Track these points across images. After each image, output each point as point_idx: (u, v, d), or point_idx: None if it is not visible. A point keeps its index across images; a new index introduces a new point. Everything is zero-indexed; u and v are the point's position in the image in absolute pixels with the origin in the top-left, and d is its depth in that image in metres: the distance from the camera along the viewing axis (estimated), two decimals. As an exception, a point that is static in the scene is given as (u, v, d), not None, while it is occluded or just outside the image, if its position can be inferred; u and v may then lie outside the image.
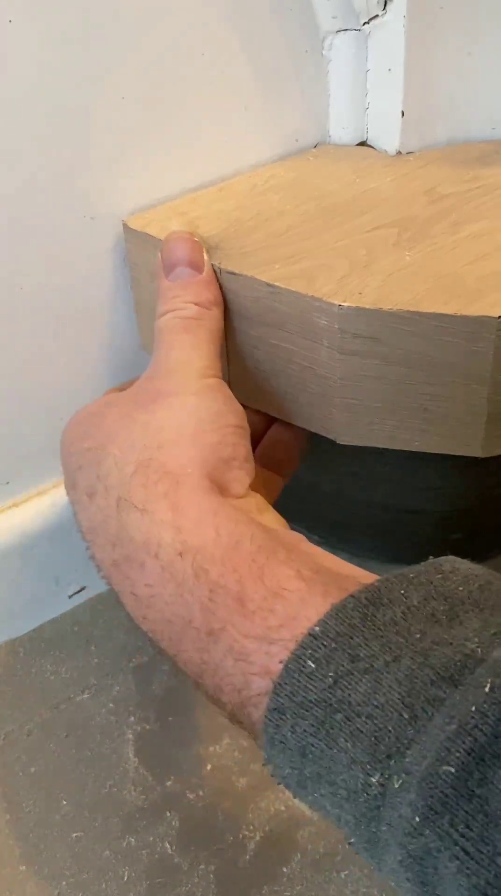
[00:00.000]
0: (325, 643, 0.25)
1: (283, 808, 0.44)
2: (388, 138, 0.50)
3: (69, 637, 0.53)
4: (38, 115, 0.41)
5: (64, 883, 0.41)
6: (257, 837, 0.43)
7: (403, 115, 0.49)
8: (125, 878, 0.41)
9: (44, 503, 0.51)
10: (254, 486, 0.41)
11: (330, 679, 0.25)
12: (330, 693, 0.24)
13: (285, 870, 0.41)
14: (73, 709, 0.49)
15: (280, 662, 0.26)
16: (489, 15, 0.47)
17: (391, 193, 0.45)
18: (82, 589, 0.55)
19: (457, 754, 0.22)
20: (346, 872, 0.41)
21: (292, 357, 0.38)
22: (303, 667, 0.25)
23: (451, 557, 0.29)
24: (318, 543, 0.60)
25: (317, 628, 0.25)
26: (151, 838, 0.43)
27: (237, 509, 0.32)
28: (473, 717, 0.22)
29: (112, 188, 0.45)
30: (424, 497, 0.52)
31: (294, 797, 0.27)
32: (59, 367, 0.48)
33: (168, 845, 0.43)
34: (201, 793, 0.45)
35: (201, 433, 0.33)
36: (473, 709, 0.22)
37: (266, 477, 0.43)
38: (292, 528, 0.50)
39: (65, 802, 0.44)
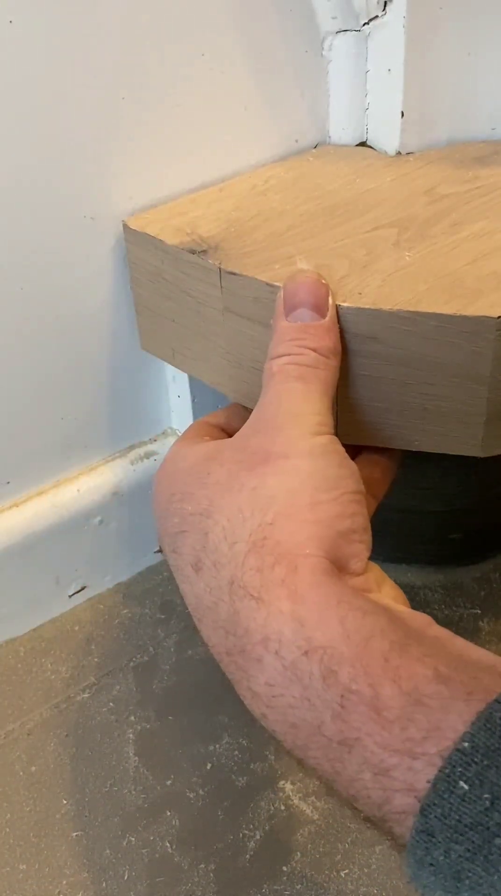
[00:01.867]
0: (476, 760, 0.23)
1: (283, 807, 0.44)
2: (388, 139, 0.50)
3: (69, 637, 0.53)
4: (38, 115, 0.41)
5: (64, 882, 0.41)
6: (257, 836, 0.43)
7: (403, 115, 0.49)
8: (125, 877, 0.41)
9: (44, 503, 0.51)
10: None
11: (487, 801, 0.22)
12: (487, 816, 0.22)
13: (285, 869, 0.41)
14: (73, 708, 0.49)
15: (427, 782, 0.24)
16: (489, 15, 0.47)
17: (391, 193, 0.45)
18: (82, 589, 0.55)
19: None
20: (346, 872, 0.41)
21: (293, 357, 0.38)
22: (454, 787, 0.23)
23: None
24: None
25: (466, 743, 0.23)
26: (152, 837, 0.43)
27: (361, 594, 0.29)
28: None
29: (112, 188, 0.45)
30: (424, 497, 0.52)
31: None
32: (59, 366, 0.48)
33: (168, 844, 0.43)
34: (201, 792, 0.45)
35: (317, 504, 0.30)
36: None
37: None
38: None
39: (65, 802, 0.45)
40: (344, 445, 0.34)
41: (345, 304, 0.35)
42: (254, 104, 0.48)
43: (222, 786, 0.45)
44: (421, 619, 0.29)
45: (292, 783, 0.45)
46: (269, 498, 0.31)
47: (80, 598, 0.55)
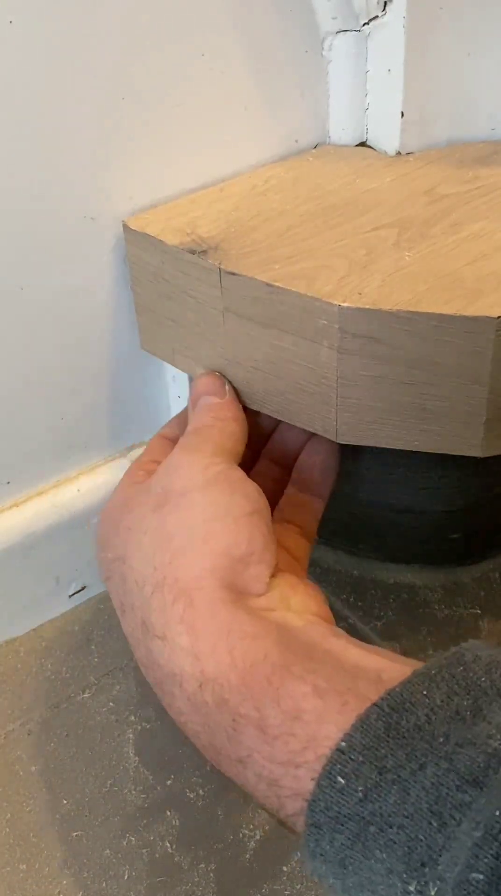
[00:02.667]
0: (352, 757, 0.25)
1: (283, 807, 0.44)
2: (388, 139, 0.50)
3: (69, 637, 0.53)
4: (37, 115, 0.41)
5: (64, 882, 0.41)
6: (258, 836, 0.43)
7: (403, 115, 0.49)
8: (126, 877, 0.41)
9: (44, 503, 0.51)
10: (295, 516, 0.41)
11: (360, 793, 0.25)
12: (362, 806, 0.25)
13: (285, 868, 0.41)
14: (73, 708, 0.49)
15: (311, 780, 0.26)
16: (489, 15, 0.47)
17: (391, 194, 0.45)
18: (82, 589, 0.55)
19: (485, 860, 0.22)
20: (346, 872, 0.41)
21: (292, 357, 0.38)
22: (334, 783, 0.25)
23: (473, 643, 0.28)
24: (318, 544, 0.60)
25: (344, 743, 0.26)
26: (152, 837, 0.43)
27: (255, 618, 0.31)
28: (498, 822, 0.22)
29: (112, 188, 0.45)
30: (424, 497, 0.52)
31: None
32: (59, 367, 0.48)
33: (168, 844, 0.43)
34: (201, 792, 0.45)
35: (211, 535, 0.33)
36: (497, 813, 0.22)
37: (305, 502, 0.43)
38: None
39: (65, 802, 0.45)
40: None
41: (345, 304, 0.35)
42: (254, 104, 0.48)
43: (222, 786, 0.45)
44: (317, 632, 0.31)
45: (292, 783, 0.45)
46: (168, 537, 0.33)
47: (80, 598, 0.55)
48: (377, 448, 0.39)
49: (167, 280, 0.43)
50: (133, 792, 0.45)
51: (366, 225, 0.42)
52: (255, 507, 0.35)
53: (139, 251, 0.44)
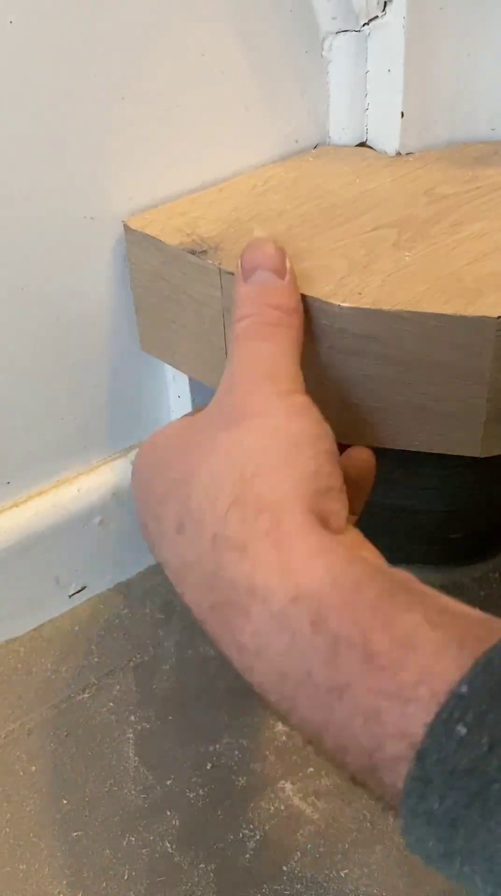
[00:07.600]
0: (474, 704, 0.22)
1: (283, 807, 0.44)
2: (388, 139, 0.50)
3: (69, 637, 0.53)
4: (38, 115, 0.41)
5: (64, 882, 0.41)
6: (257, 836, 0.43)
7: (402, 115, 0.49)
8: (125, 877, 0.41)
9: (44, 503, 0.51)
10: None
11: (485, 746, 0.22)
12: (485, 761, 0.22)
13: (285, 869, 0.41)
14: (73, 708, 0.49)
15: (424, 725, 0.23)
16: (489, 15, 0.47)
17: (390, 194, 0.45)
18: (82, 589, 0.55)
19: None
20: (346, 871, 0.41)
21: (292, 357, 0.38)
22: (452, 731, 0.22)
23: None
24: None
25: (464, 687, 0.22)
26: (152, 837, 0.43)
27: (346, 546, 0.28)
28: None
29: (112, 188, 0.45)
30: (424, 497, 0.52)
31: (438, 871, 0.24)
32: (59, 366, 0.48)
33: (168, 844, 0.43)
34: (201, 792, 0.45)
35: (296, 462, 0.30)
36: None
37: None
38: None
39: (65, 802, 0.45)
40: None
41: (345, 304, 0.35)
42: (254, 104, 0.48)
43: (222, 786, 0.45)
44: (405, 574, 0.29)
45: (292, 783, 0.45)
46: (247, 455, 0.30)
47: (80, 598, 0.55)
48: (377, 448, 0.39)
49: (167, 280, 0.43)
50: (133, 792, 0.45)
51: (366, 225, 0.42)
52: (334, 449, 0.32)
53: (139, 251, 0.44)
